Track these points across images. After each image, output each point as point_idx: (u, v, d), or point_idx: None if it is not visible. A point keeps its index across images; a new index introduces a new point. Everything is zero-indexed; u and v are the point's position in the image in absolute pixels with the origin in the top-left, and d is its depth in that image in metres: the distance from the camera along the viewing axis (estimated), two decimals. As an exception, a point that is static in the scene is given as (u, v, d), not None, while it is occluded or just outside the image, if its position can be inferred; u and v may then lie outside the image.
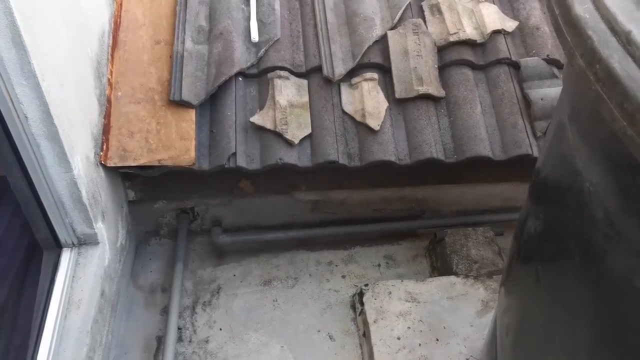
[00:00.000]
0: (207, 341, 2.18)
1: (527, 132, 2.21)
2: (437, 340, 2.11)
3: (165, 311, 2.24)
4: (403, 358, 2.05)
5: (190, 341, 2.18)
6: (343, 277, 2.45)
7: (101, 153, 1.99)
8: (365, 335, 2.17)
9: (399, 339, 2.11)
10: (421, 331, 2.13)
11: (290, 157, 2.12)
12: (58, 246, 1.88)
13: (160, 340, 2.16)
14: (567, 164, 1.05)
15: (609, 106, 0.62)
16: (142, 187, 2.29)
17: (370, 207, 2.53)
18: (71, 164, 1.69)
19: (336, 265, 2.49)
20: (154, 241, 2.49)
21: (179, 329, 2.19)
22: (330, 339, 2.23)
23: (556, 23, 0.75)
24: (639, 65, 0.60)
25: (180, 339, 2.17)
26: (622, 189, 0.79)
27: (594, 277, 0.96)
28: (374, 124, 2.17)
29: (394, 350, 2.08)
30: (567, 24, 0.71)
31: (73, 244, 1.89)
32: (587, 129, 0.89)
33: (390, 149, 2.16)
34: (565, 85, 1.03)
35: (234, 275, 2.41)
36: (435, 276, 2.41)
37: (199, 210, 2.46)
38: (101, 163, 1.99)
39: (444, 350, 2.08)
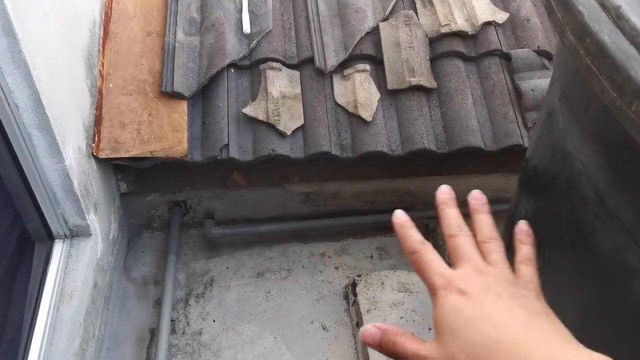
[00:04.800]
0: (200, 333, 2.18)
1: (518, 122, 2.23)
2: (430, 329, 2.11)
3: (158, 303, 2.24)
4: (396, 347, 2.06)
5: (183, 333, 2.18)
6: (336, 268, 2.46)
7: (93, 144, 1.98)
8: (359, 325, 2.18)
9: (392, 328, 2.12)
10: (414, 321, 2.15)
11: (283, 149, 2.12)
12: (50, 238, 1.87)
13: (154, 333, 2.16)
14: (558, 148, 1.06)
15: (600, 79, 0.63)
16: (134, 180, 2.28)
17: (363, 199, 2.54)
18: (63, 154, 1.68)
19: (329, 257, 2.50)
20: (147, 234, 2.48)
21: (172, 321, 2.19)
22: (324, 329, 2.23)
23: (547, 1, 0.76)
24: (628, 38, 0.61)
25: (173, 331, 2.17)
26: (613, 165, 0.80)
27: (583, 257, 0.98)
28: (366, 115, 2.18)
29: (387, 339, 2.08)
30: (557, 1, 0.72)
31: (65, 235, 1.88)
32: (578, 109, 0.90)
33: (383, 139, 2.17)
34: (556, 66, 1.04)
35: (227, 267, 2.41)
36: (427, 267, 2.42)
37: (192, 203, 2.45)
38: (93, 154, 1.98)
39: (437, 340, 2.09)
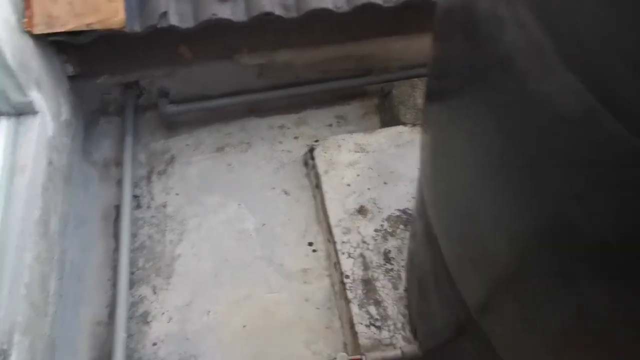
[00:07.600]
0: (164, 206, 2.24)
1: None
2: (385, 183, 2.19)
3: (120, 183, 2.28)
4: (353, 202, 2.14)
5: (148, 207, 2.24)
6: (295, 138, 2.49)
7: (25, 20, 1.92)
8: (318, 186, 2.24)
9: (349, 185, 2.19)
10: (370, 177, 2.21)
11: (224, 12, 2.06)
12: (-5, 116, 1.87)
13: (119, 209, 2.21)
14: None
15: None
16: (80, 61, 2.24)
17: (317, 69, 2.52)
18: (-12, 24, 1.64)
19: (288, 128, 2.52)
20: (103, 120, 2.48)
21: (137, 197, 2.25)
22: (285, 194, 2.30)
23: None
24: None
25: (138, 206, 2.23)
26: None
27: (497, 85, 0.95)
28: (308, -29, 2.10)
29: (344, 195, 2.16)
30: None
31: (9, 113, 1.88)
32: None
33: (327, -3, 2.11)
34: None
35: (187, 145, 2.43)
36: (384, 128, 2.45)
37: (144, 84, 2.43)
38: (28, 31, 1.92)
39: (392, 192, 2.16)
